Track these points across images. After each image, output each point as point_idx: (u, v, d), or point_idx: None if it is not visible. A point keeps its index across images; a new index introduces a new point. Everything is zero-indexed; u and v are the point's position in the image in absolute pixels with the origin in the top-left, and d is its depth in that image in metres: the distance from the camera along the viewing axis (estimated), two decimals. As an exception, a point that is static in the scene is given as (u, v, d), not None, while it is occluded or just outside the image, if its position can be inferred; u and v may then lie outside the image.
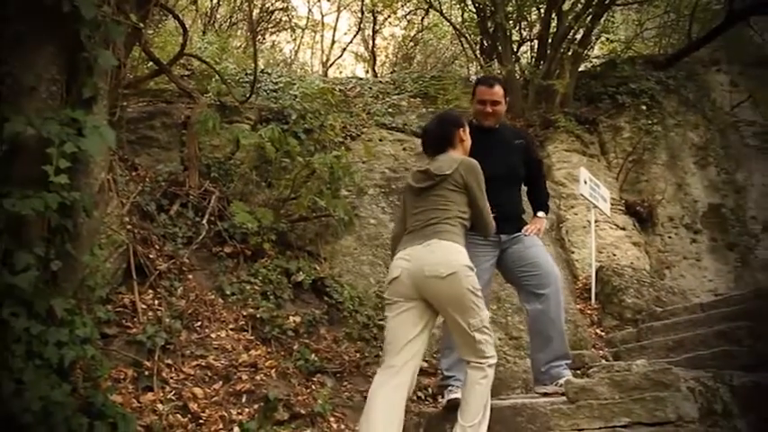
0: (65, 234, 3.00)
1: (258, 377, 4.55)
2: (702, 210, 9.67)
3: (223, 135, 6.59)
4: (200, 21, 13.30)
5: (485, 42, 11.43)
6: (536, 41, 10.96)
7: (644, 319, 6.67)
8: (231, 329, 4.97)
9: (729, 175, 10.24)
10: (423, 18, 14.84)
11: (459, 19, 12.55)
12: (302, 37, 16.46)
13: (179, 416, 3.99)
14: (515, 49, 11.03)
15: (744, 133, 10.95)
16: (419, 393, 5.01)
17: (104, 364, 3.55)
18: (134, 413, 3.69)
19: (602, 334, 6.84)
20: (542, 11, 10.59)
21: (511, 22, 10.71)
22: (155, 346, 4.35)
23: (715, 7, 11.33)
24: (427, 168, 3.60)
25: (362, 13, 15.36)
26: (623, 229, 8.84)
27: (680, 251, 9.28)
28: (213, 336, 4.81)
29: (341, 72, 16.29)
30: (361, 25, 15.79)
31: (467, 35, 11.88)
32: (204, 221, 5.68)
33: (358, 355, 5.20)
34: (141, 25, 5.90)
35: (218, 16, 14.02)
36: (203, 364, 4.53)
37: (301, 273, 5.65)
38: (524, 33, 11.44)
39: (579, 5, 10.01)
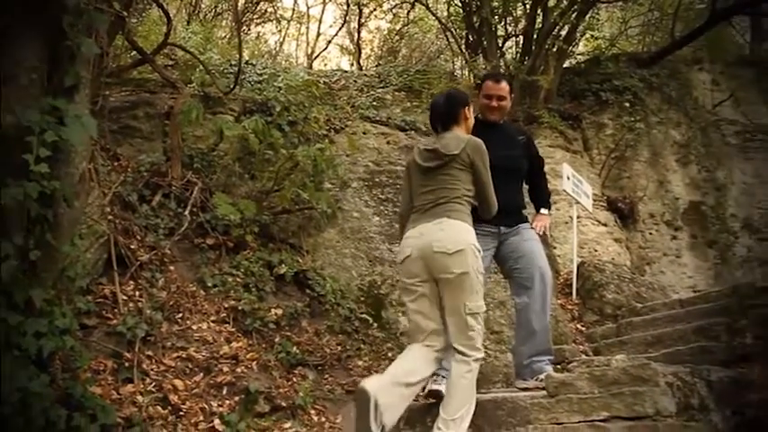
0: (45, 224, 2.97)
1: (239, 369, 4.54)
2: (683, 207, 9.77)
3: (206, 126, 6.54)
4: (184, 10, 13.17)
5: (470, 37, 11.44)
6: (521, 37, 10.98)
7: (624, 314, 6.72)
8: (212, 321, 4.95)
9: (710, 173, 10.35)
10: (408, 12, 14.81)
11: (445, 13, 12.56)
12: (287, 28, 16.35)
13: (159, 408, 3.98)
14: (500, 45, 11.07)
15: (725, 132, 11.08)
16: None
17: (84, 355, 3.53)
18: (113, 405, 3.67)
19: (583, 329, 6.89)
20: (528, 7, 10.63)
21: (496, 17, 10.74)
22: (135, 338, 4.32)
23: (698, 7, 11.46)
24: (435, 148, 3.64)
25: (348, 5, 15.28)
26: (605, 225, 8.91)
27: (660, 248, 9.38)
28: (194, 328, 4.79)
29: (326, 64, 16.21)
30: (347, 18, 15.71)
31: (452, 29, 11.88)
32: (186, 213, 5.64)
33: (339, 348, 5.20)
34: (125, 14, 5.86)
35: (203, 6, 13.89)
36: (184, 355, 4.51)
37: (284, 265, 5.64)
38: (510, 29, 11.47)
39: (564, 2, 10.04)
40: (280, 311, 5.27)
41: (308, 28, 16.61)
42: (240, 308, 5.09)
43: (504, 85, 4.35)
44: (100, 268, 4.75)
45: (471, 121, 3.85)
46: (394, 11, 15.01)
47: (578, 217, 7.97)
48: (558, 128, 9.36)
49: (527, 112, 9.46)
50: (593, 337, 6.53)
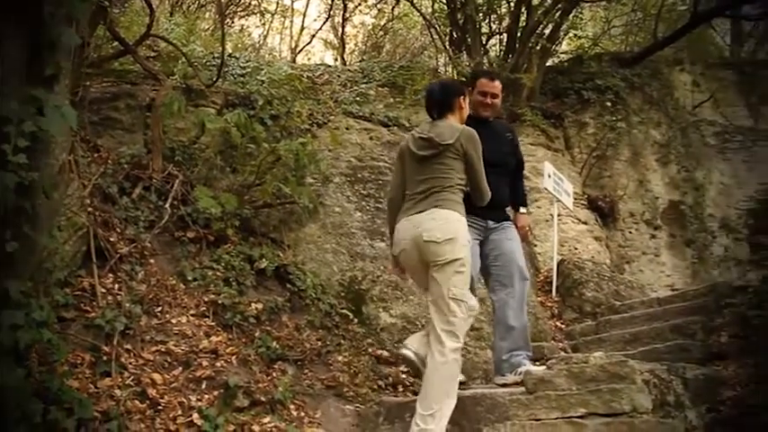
0: (22, 215, 2.93)
1: (218, 364, 4.51)
2: (662, 206, 9.87)
3: (188, 118, 6.49)
4: (167, 1, 13.06)
5: (454, 34, 11.45)
6: (505, 35, 11.02)
7: (603, 312, 6.78)
8: (192, 315, 4.92)
9: (689, 172, 10.46)
10: (393, 7, 14.79)
11: (430, 10, 12.57)
12: (271, 22, 16.28)
13: (137, 402, 3.94)
14: (484, 42, 11.09)
15: (704, 132, 11.20)
16: (379, 382, 5.03)
17: (61, 348, 3.49)
18: (91, 398, 3.63)
19: (562, 326, 6.94)
20: (512, 4, 10.67)
21: (481, 14, 10.77)
22: (114, 331, 4.28)
23: (680, 8, 11.57)
24: (430, 136, 3.68)
25: (332, -1, 15.26)
26: (585, 223, 8.97)
27: (639, 246, 9.47)
28: (174, 321, 4.76)
29: (309, 59, 16.13)
30: (331, 12, 15.67)
31: (436, 26, 11.89)
32: (167, 205, 5.59)
33: (320, 343, 5.19)
34: (107, 4, 5.80)
35: (187, -3, 13.78)
36: (163, 349, 4.47)
37: (264, 259, 5.62)
38: (494, 26, 11.49)
39: (548, 1, 10.09)
40: (260, 306, 5.25)
41: (291, 21, 16.56)
42: (220, 302, 5.06)
43: (498, 83, 4.53)
44: (78, 260, 4.69)
45: (466, 111, 3.95)
46: (378, 6, 14.99)
47: (559, 215, 8.02)
48: (540, 126, 9.41)
49: (509, 109, 9.48)
50: (572, 335, 6.59)
